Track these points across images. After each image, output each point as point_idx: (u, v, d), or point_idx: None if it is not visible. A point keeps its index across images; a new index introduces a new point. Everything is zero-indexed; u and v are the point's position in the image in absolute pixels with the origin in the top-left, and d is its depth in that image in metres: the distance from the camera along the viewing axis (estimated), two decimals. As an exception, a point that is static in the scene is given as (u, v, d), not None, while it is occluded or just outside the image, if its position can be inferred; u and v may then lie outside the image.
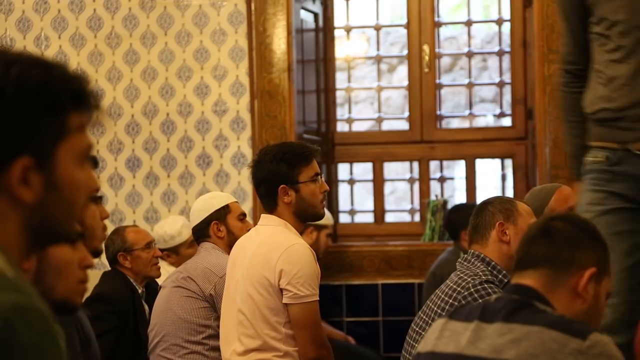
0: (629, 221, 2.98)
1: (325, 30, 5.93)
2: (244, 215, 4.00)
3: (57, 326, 1.25)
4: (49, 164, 1.29)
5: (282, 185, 3.30)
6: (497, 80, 6.16)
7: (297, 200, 3.31)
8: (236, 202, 4.05)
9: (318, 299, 3.24)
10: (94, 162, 2.67)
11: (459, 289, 2.99)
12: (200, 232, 3.94)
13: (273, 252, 3.22)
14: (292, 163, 3.31)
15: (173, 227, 4.70)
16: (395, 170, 7.25)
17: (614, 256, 2.76)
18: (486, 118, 7.84)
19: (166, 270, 4.42)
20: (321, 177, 3.37)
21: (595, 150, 3.05)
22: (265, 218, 3.38)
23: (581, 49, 3.12)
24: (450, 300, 2.99)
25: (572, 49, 3.17)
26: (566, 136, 3.22)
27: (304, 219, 3.37)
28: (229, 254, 3.64)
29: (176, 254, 4.69)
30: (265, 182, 3.34)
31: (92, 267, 2.41)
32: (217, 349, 3.58)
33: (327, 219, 5.32)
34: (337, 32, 6.07)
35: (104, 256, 4.19)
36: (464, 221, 4.22)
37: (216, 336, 3.59)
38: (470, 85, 6.25)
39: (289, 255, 3.20)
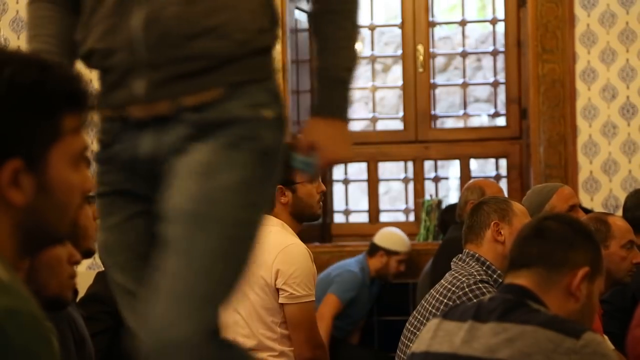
0: (146, 240, 1.99)
1: (319, 30, 5.92)
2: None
3: (50, 329, 1.24)
4: (40, 166, 1.27)
5: (278, 186, 3.30)
6: (491, 80, 6.17)
7: (294, 200, 3.32)
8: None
9: (314, 299, 3.25)
10: (88, 163, 2.67)
11: (453, 288, 2.99)
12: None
13: (269, 252, 3.22)
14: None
15: (168, 227, 4.69)
16: (389, 170, 7.23)
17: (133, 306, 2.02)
18: (480, 118, 7.84)
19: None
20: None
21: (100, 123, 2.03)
22: (261, 218, 3.36)
23: None
24: (445, 300, 2.99)
25: None
26: None
27: (300, 219, 3.37)
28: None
29: (171, 254, 4.68)
30: (261, 183, 3.31)
31: (79, 262, 2.42)
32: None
33: (403, 245, 5.31)
34: (331, 32, 6.06)
35: (97, 256, 4.19)
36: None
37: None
38: (464, 85, 6.26)
39: (285, 255, 3.20)
